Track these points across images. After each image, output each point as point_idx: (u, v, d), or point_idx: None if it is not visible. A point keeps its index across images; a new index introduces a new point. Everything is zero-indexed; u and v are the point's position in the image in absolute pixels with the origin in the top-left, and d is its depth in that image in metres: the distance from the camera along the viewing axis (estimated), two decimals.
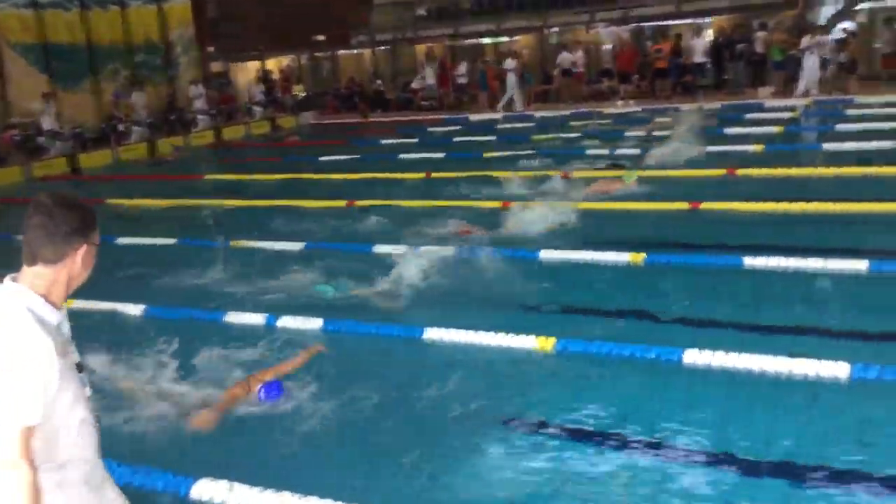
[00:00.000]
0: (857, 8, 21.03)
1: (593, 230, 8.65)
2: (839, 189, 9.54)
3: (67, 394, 2.26)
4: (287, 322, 6.34)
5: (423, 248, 7.65)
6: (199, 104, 23.00)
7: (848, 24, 20.85)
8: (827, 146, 12.52)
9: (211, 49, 27.95)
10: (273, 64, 30.60)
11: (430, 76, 24.50)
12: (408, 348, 5.81)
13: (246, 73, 29.81)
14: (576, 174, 11.69)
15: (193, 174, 16.06)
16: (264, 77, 27.71)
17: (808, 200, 8.74)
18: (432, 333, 5.80)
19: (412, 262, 7.08)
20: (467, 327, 5.76)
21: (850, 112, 16.06)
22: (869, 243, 7.29)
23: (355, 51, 29.96)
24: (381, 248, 8.32)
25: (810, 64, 18.35)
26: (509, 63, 21.97)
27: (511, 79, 21.79)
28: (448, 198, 10.90)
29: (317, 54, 30.47)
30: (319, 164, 15.78)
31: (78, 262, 2.37)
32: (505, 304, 6.52)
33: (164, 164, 18.62)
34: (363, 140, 19.50)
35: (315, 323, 6.26)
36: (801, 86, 18.45)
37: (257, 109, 24.81)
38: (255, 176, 15.26)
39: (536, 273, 7.31)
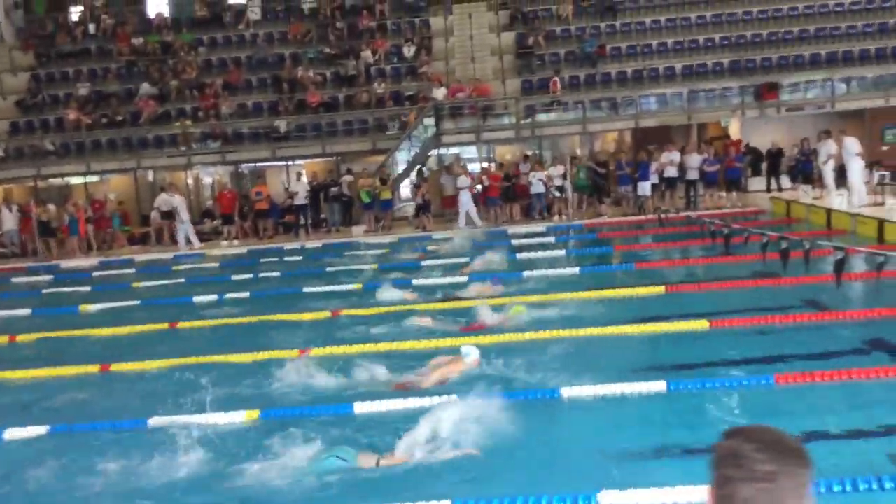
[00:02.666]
0: (429, 154, 24.18)
1: None
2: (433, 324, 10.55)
3: None
4: None
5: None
6: None
7: (423, 169, 23.83)
8: (416, 282, 13.92)
9: None
10: None
11: (9, 221, 22.16)
12: None
13: None
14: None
15: None
16: None
17: (403, 340, 9.57)
18: None
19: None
20: None
21: (430, 247, 18.19)
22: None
23: None
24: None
25: (465, 200, 20.89)
26: (177, 199, 21.57)
27: (184, 214, 21.38)
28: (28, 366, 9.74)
29: None
30: None
31: None
32: None
33: None
34: None
35: None
36: (468, 219, 20.95)
37: None
38: None
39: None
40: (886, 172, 17.18)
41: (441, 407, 6.45)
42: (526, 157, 23.02)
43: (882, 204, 15.50)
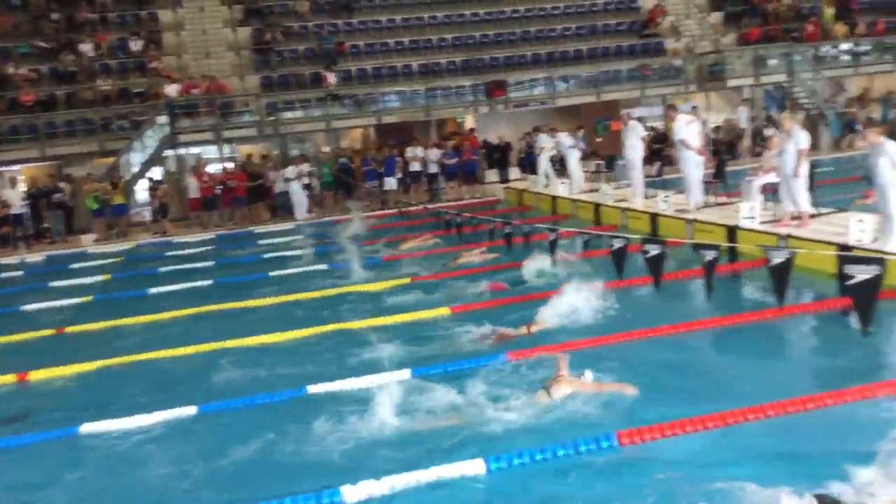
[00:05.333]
0: (164, 155, 22.83)
1: None
2: (170, 338, 9.91)
3: None
4: None
5: None
6: None
7: (157, 171, 22.50)
8: (152, 290, 13.04)
9: None
10: None
11: None
12: None
13: None
14: None
15: None
16: None
17: (144, 351, 8.93)
18: None
19: None
20: None
21: (170, 253, 17.20)
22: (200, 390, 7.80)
23: None
24: None
25: (297, 190, 20.31)
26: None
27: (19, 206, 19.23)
28: None
29: None
30: None
31: None
32: None
33: None
34: None
35: None
36: (299, 213, 20.40)
37: None
38: None
39: None
40: (601, 161, 19.04)
41: None
42: (264, 158, 22.62)
43: (597, 190, 17.10)
